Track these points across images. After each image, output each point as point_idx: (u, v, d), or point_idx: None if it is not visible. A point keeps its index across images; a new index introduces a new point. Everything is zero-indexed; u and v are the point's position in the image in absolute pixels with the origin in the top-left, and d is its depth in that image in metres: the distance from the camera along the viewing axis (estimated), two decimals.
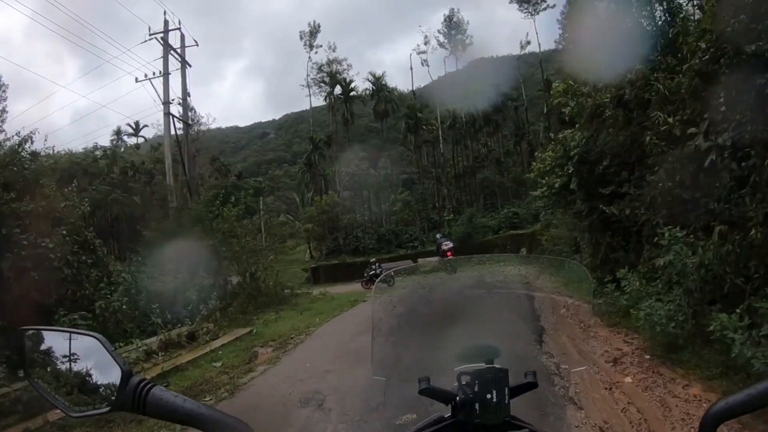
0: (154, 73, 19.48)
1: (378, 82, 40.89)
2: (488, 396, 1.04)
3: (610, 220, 9.10)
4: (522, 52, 43.69)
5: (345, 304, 15.59)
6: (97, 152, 41.98)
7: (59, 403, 0.93)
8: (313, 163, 43.00)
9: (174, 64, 20.03)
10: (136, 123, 49.75)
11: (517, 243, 29.21)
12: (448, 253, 20.42)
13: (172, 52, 19.75)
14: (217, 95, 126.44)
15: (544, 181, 11.22)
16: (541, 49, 39.16)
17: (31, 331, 1.00)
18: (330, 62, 40.67)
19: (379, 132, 45.57)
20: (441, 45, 41.68)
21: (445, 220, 37.17)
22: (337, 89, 40.23)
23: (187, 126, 20.79)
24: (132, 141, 55.39)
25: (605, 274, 8.91)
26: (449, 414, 1.10)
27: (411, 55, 40.24)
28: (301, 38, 41.75)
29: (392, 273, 2.90)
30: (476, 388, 1.05)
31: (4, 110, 36.16)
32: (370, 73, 42.24)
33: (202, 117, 44.90)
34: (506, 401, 1.06)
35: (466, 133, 40.50)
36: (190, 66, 20.52)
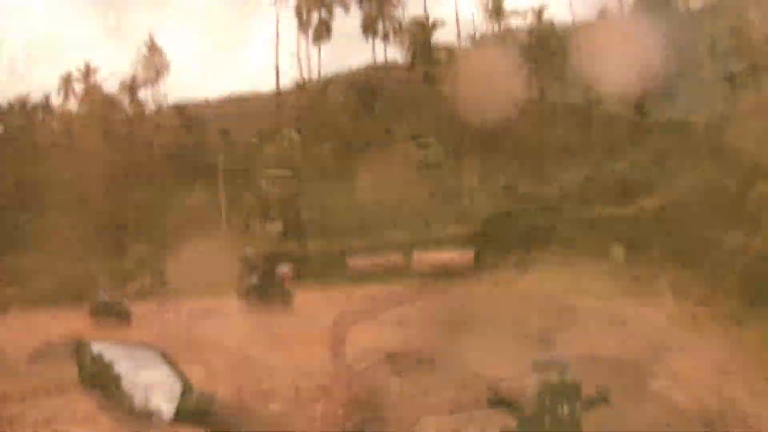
0: None
1: None
2: (559, 410, 1.27)
3: None
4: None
5: None
6: None
7: (115, 414, 1.74)
8: None
9: None
10: None
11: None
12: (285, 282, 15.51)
13: None
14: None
15: None
16: None
17: (88, 344, 1.79)
18: None
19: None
20: None
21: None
22: None
23: None
24: None
25: None
26: (515, 425, 1.23)
27: None
28: None
29: None
30: (547, 401, 1.21)
31: None
32: None
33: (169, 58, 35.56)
34: (577, 416, 1.18)
35: None
36: None
